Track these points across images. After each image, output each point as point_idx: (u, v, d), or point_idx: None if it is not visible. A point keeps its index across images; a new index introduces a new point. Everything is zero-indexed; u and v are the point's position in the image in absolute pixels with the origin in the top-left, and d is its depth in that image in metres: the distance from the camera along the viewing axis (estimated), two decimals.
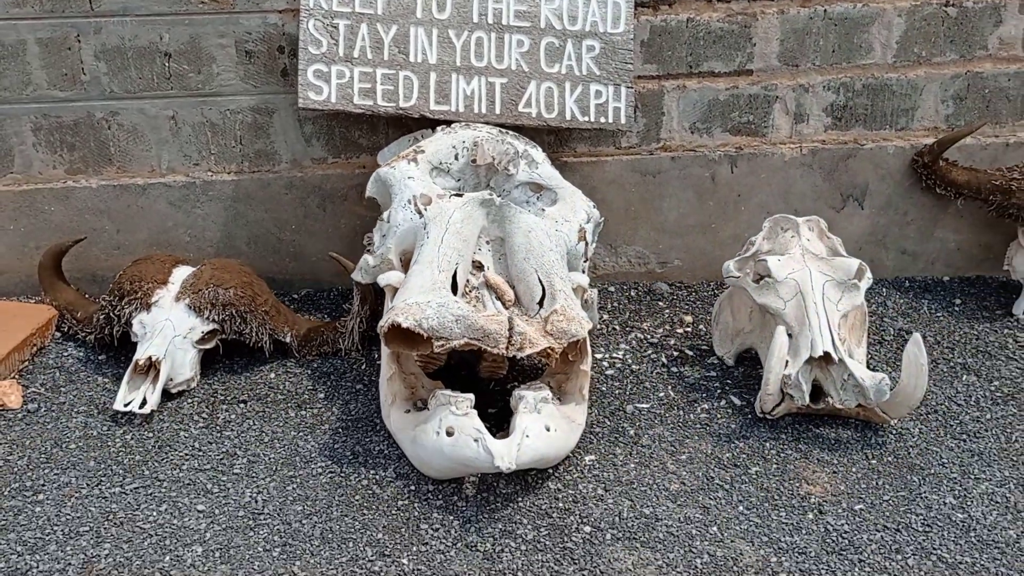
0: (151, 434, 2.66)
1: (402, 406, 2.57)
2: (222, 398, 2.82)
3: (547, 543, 2.27)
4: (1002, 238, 3.34)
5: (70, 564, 2.23)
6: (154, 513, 2.38)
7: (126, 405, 2.69)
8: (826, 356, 2.54)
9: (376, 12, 3.04)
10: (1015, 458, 2.53)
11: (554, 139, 3.27)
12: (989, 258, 3.42)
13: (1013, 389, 2.82)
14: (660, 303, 3.32)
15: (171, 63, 3.10)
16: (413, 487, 2.45)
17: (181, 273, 2.98)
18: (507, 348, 2.38)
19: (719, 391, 2.84)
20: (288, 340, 2.98)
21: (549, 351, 2.42)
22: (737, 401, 2.79)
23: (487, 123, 3.05)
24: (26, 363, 2.96)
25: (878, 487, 2.43)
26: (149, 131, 3.18)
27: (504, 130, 3.04)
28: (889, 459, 2.53)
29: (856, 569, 2.18)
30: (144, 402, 2.70)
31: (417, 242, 2.64)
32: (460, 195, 2.73)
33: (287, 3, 3.06)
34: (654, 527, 2.31)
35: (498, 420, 2.60)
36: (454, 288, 2.50)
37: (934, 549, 2.23)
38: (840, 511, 2.35)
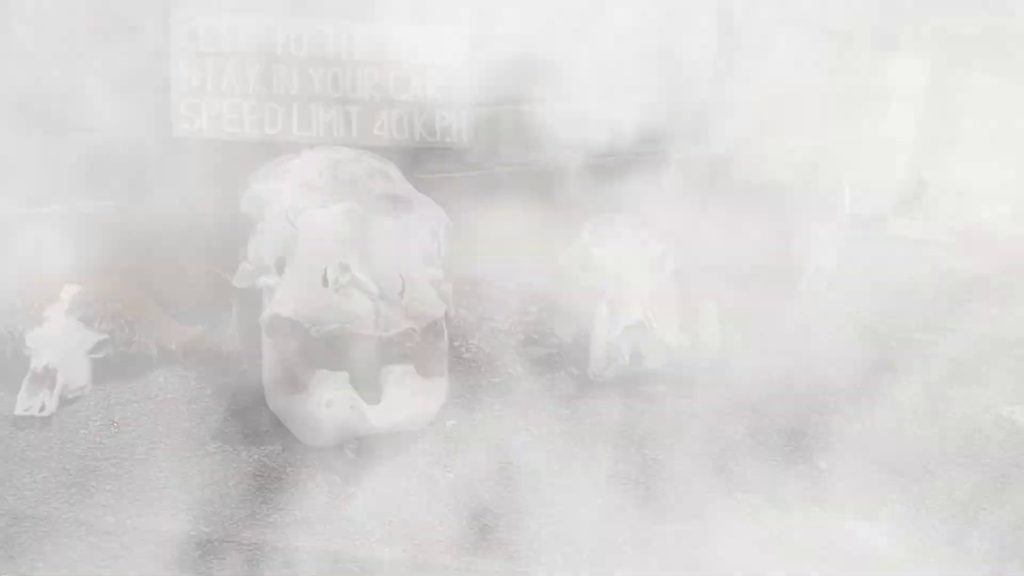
0: (53, 434, 2.92)
1: (286, 389, 2.93)
2: (115, 400, 3.10)
3: (417, 489, 2.70)
4: None
5: None
6: (64, 494, 2.66)
7: (26, 410, 2.95)
8: (640, 324, 3.07)
9: (240, 51, 3.43)
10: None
11: (409, 158, 3.71)
12: None
13: None
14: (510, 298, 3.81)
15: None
16: (299, 457, 2.81)
17: (70, 290, 3.24)
18: (374, 329, 2.80)
19: (559, 364, 3.34)
20: (173, 348, 3.28)
21: (411, 331, 2.85)
22: (575, 371, 3.29)
23: (347, 145, 3.48)
24: None
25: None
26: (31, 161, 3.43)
27: (362, 151, 3.47)
28: None
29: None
30: (43, 407, 2.96)
31: (289, 248, 3.03)
32: (326, 208, 3.14)
33: (161, 45, 3.40)
34: (505, 467, 2.78)
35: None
36: (325, 284, 2.90)
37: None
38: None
